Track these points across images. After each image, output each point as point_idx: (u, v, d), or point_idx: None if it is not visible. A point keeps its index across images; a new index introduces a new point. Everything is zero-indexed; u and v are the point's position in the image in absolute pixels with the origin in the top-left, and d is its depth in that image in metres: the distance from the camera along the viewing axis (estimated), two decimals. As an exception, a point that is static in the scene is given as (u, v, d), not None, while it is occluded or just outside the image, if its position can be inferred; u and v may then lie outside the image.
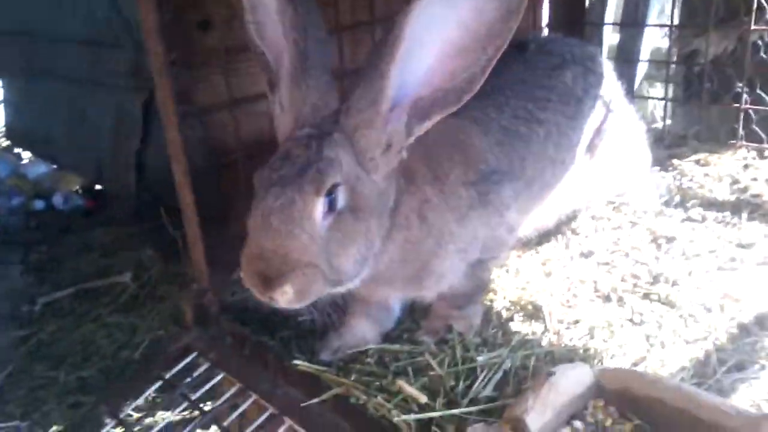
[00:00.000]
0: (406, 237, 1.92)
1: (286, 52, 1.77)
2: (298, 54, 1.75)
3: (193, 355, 2.34)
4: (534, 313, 2.33)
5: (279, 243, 1.60)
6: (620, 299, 2.36)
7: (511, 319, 2.31)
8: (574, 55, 2.57)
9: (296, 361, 2.10)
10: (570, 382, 1.73)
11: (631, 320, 2.26)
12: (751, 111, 3.19)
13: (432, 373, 1.98)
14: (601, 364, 2.04)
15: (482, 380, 1.95)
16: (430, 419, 1.81)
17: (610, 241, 2.73)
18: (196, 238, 2.32)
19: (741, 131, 3.20)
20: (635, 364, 2.03)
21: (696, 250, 2.60)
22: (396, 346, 2.15)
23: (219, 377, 2.25)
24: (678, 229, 2.75)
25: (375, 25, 2.78)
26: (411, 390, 1.88)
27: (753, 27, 3.10)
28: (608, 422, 1.73)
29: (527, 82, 2.41)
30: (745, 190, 2.99)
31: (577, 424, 1.72)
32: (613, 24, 5.15)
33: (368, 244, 1.76)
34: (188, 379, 2.29)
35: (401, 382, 1.93)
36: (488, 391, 1.92)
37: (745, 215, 2.80)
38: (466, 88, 1.67)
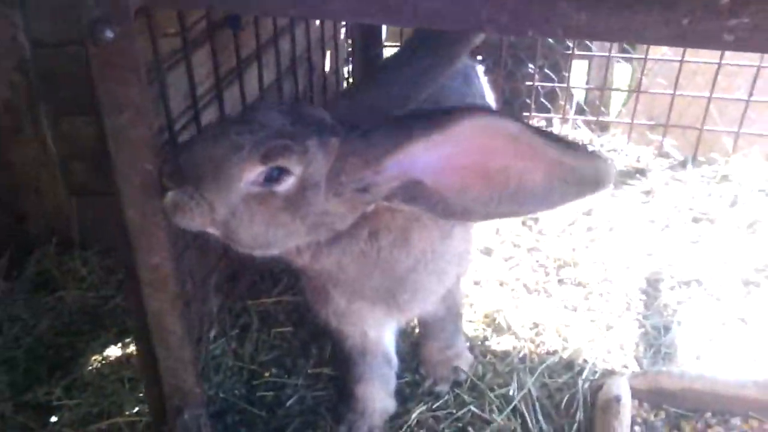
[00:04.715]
0: (362, 251, 1.78)
1: None
2: None
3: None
4: (491, 321, 2.57)
5: (203, 172, 1.54)
6: (545, 290, 2.74)
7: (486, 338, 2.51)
8: None
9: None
10: (626, 395, 2.05)
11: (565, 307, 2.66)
12: (539, 87, 3.74)
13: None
14: (584, 361, 2.40)
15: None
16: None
17: (492, 232, 3.06)
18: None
19: (533, 104, 3.74)
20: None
21: (559, 226, 3.09)
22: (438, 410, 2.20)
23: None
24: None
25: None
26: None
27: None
28: (651, 417, 2.12)
29: None
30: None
31: (637, 429, 2.06)
32: None
33: (278, 237, 1.63)
34: None
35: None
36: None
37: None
38: (459, 214, 1.58)
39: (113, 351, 2.63)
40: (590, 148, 1.52)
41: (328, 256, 1.74)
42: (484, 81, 2.74)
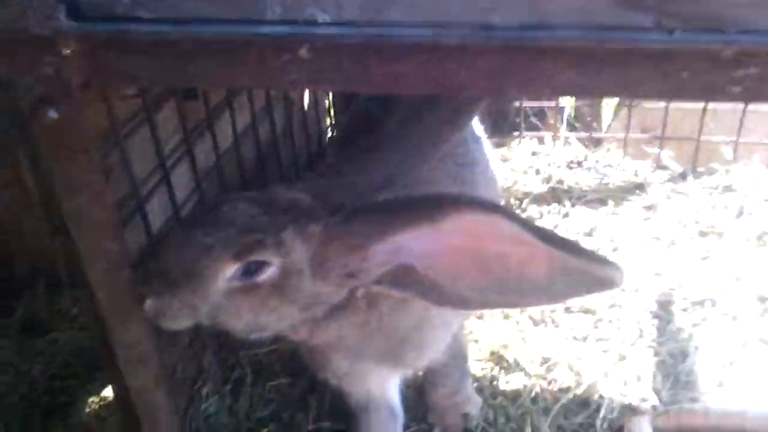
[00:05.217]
0: (362, 320, 1.68)
1: None
2: None
3: None
4: (498, 358, 2.42)
5: (178, 278, 1.49)
6: (552, 320, 2.60)
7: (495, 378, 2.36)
8: None
9: None
10: (650, 439, 1.91)
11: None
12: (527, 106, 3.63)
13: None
14: (601, 397, 2.26)
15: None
16: None
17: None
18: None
19: (522, 124, 3.63)
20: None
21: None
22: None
23: None
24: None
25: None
26: None
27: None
28: (678, 458, 1.97)
29: None
30: (549, 179, 3.45)
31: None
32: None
33: (270, 321, 1.55)
34: None
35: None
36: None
37: (568, 204, 3.26)
38: (454, 302, 1.48)
39: (110, 392, 2.43)
40: (596, 254, 1.39)
41: (326, 330, 1.62)
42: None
